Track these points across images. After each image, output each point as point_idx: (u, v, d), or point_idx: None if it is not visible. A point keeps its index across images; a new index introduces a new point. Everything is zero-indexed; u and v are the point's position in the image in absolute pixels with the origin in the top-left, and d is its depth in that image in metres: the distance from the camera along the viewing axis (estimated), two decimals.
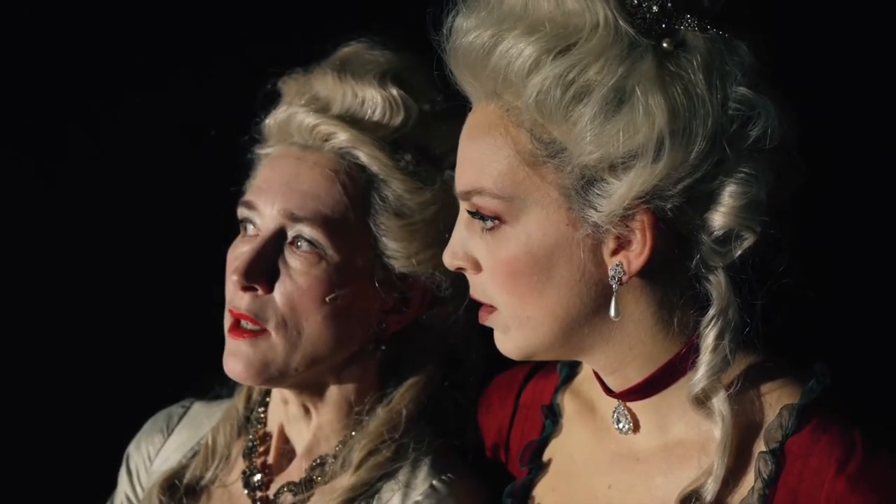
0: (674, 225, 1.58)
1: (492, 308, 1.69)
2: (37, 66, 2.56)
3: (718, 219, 1.57)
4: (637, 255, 1.58)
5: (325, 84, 1.97)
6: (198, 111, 2.40)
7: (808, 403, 1.61)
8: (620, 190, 1.54)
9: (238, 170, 2.08)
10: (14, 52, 2.56)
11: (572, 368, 1.92)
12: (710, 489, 1.61)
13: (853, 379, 1.69)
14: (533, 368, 1.99)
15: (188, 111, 2.46)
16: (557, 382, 1.92)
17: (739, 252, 1.59)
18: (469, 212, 1.67)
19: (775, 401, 1.64)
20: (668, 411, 1.68)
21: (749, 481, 1.62)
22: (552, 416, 1.89)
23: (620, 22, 1.53)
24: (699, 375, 1.61)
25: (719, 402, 1.62)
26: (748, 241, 1.59)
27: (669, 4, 1.56)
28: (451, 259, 1.72)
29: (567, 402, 1.89)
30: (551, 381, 1.94)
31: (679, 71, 1.53)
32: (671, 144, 1.51)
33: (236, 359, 1.92)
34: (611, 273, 1.59)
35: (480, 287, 1.70)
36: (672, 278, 1.62)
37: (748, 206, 1.57)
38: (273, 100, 2.04)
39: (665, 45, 1.55)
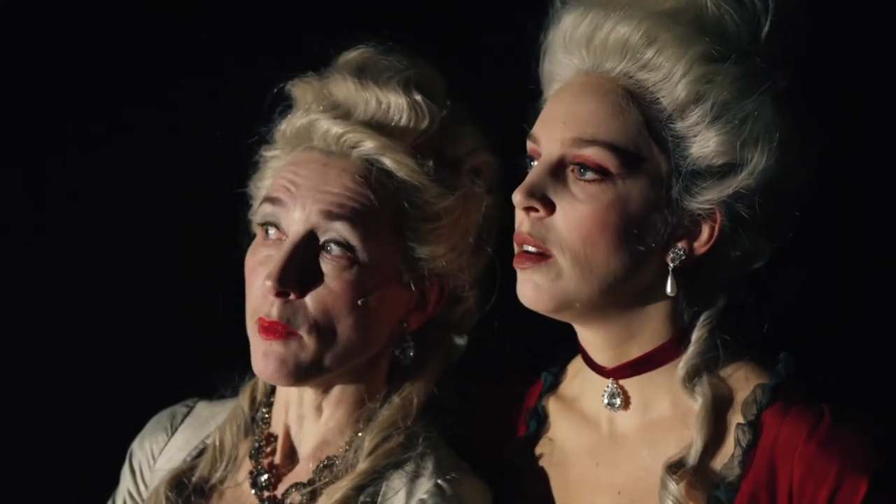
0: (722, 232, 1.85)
1: (542, 256, 1.83)
2: (41, 69, 2.60)
3: (751, 237, 1.85)
4: (703, 244, 1.84)
5: (346, 90, 1.98)
6: (203, 113, 2.45)
7: (777, 383, 1.86)
8: (720, 188, 1.81)
9: (243, 172, 2.09)
10: (16, 56, 2.60)
11: (556, 377, 2.09)
12: (692, 455, 1.82)
13: (815, 368, 1.94)
14: (528, 375, 2.14)
15: (193, 113, 2.51)
16: (542, 389, 2.08)
17: (749, 270, 1.88)
18: (573, 163, 1.82)
19: (748, 381, 1.88)
20: (655, 390, 1.90)
21: (728, 450, 1.84)
22: (537, 417, 2.05)
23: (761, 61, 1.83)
24: (688, 356, 1.86)
25: (702, 382, 1.86)
26: (759, 263, 1.88)
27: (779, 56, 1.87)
28: (525, 198, 1.82)
29: (551, 405, 2.06)
30: (536, 388, 2.09)
31: (786, 110, 1.83)
32: (773, 166, 1.81)
33: (269, 359, 1.92)
34: (672, 255, 1.83)
35: (542, 230, 1.83)
36: (694, 278, 1.87)
37: (776, 233, 1.87)
38: (279, 103, 2.05)
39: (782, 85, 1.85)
